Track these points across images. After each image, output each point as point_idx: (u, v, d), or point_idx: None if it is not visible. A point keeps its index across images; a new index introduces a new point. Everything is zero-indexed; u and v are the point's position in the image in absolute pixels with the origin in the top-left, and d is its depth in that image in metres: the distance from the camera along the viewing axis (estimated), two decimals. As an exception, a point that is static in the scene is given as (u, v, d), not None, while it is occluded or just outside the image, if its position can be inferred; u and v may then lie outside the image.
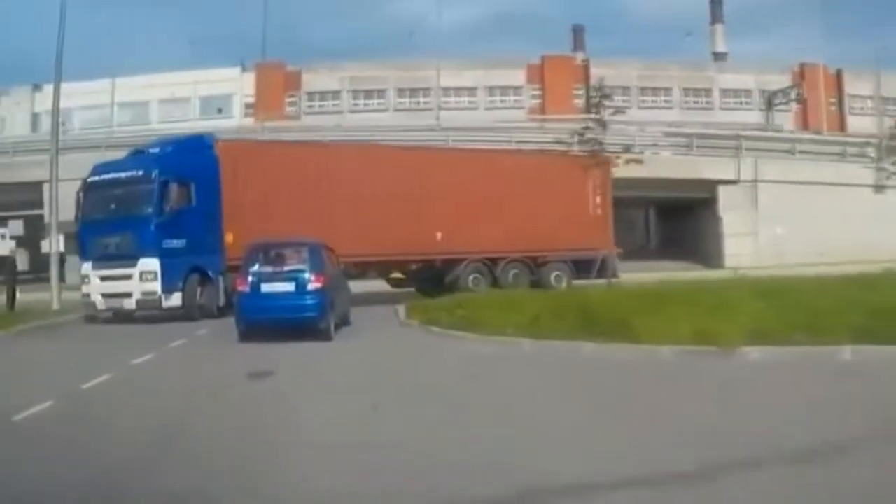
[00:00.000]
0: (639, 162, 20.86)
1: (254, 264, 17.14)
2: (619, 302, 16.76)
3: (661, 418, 8.93)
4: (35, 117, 58.71)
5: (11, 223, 39.99)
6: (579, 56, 69.47)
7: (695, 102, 65.51)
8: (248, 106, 59.75)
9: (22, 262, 36.86)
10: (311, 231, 21.65)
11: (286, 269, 16.98)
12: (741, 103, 65.69)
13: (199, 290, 22.71)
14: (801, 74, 64.44)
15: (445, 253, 27.31)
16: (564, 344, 13.96)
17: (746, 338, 13.15)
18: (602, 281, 27.22)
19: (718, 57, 73.21)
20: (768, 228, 41.94)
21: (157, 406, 10.16)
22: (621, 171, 19.94)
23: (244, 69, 50.76)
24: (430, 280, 27.68)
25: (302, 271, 16.86)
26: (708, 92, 66.53)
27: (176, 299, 22.25)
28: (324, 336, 16.51)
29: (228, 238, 23.20)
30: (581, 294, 19.10)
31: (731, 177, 42.11)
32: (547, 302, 17.69)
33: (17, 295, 26.09)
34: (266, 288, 16.71)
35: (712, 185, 42.02)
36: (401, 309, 20.90)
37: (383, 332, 18.31)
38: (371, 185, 26.14)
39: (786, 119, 62.08)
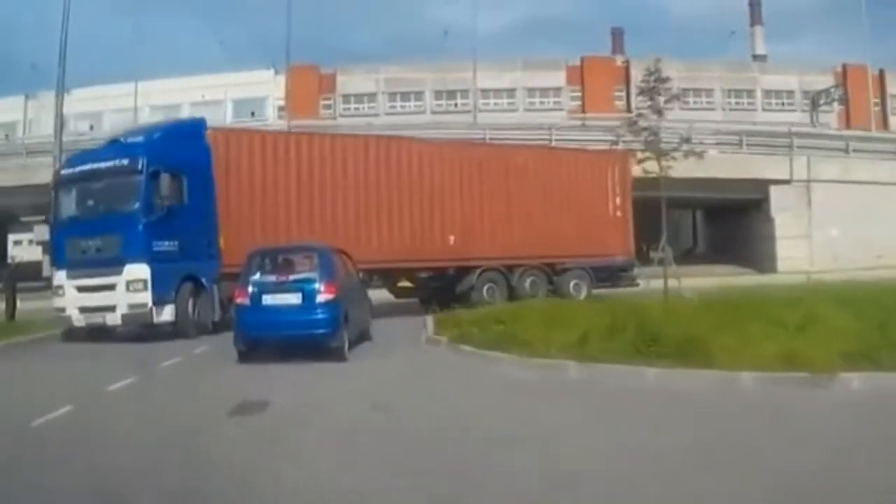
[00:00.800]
0: (699, 156, 18.10)
1: (254, 273, 14.63)
2: (682, 315, 14.01)
3: (767, 476, 6.57)
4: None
5: (37, 228, 37.88)
6: (618, 58, 67.31)
7: (737, 103, 64.05)
8: (281, 109, 57.68)
9: (46, 269, 34.67)
10: (311, 233, 20.35)
11: (292, 278, 14.45)
12: (783, 104, 64.44)
13: (192, 301, 19.13)
14: (844, 74, 62.80)
15: (459, 259, 24.31)
16: (620, 369, 11.21)
17: (843, 360, 10.54)
18: (626, 289, 25.46)
19: (758, 59, 71.09)
20: (823, 230, 39.13)
21: (100, 460, 7.60)
22: (678, 168, 17.09)
23: (277, 71, 48.72)
24: (438, 290, 24.46)
25: (310, 281, 14.29)
26: (750, 93, 65.15)
27: (168, 313, 18.47)
28: (336, 356, 13.98)
29: (220, 241, 20.10)
30: (635, 306, 16.25)
31: (784, 176, 39.18)
32: (596, 316, 14.91)
33: (18, 304, 23.76)
34: (268, 300, 14.19)
35: (764, 185, 39.17)
36: (429, 321, 18.07)
37: (407, 350, 15.54)
38: (378, 181, 23.43)
39: (829, 119, 60.11)
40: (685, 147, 18.09)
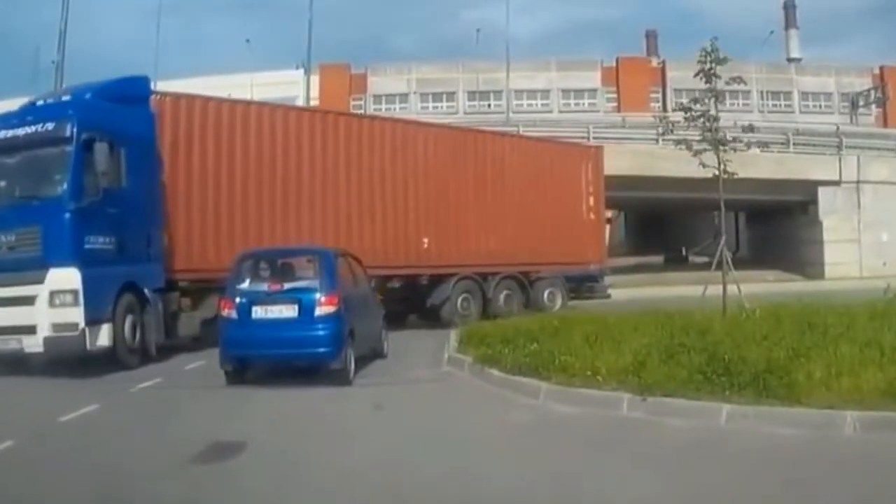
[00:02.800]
0: (765, 146, 15.67)
1: (242, 280, 12.16)
2: (750, 333, 11.49)
3: None
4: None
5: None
6: (654, 60, 65.25)
7: (774, 105, 62.14)
8: (311, 109, 55.83)
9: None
10: (270, 231, 17.30)
11: (286, 287, 11.93)
12: (821, 106, 62.80)
13: (133, 319, 13.84)
14: (881, 76, 60.52)
15: (435, 266, 20.16)
16: (687, 405, 8.69)
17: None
18: (593, 300, 23.29)
19: (793, 62, 68.24)
20: (872, 234, 36.51)
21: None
22: (735, 164, 14.63)
23: (307, 71, 46.85)
24: (405, 302, 20.32)
25: (308, 290, 11.86)
26: (788, 95, 63.51)
27: (105, 336, 13.02)
28: (339, 379, 11.62)
29: (166, 238, 15.63)
30: (691, 318, 13.75)
31: (833, 177, 36.60)
32: (648, 331, 12.38)
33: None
34: (259, 313, 11.73)
35: (812, 186, 36.65)
36: (453, 336, 15.33)
37: (424, 373, 12.91)
38: (348, 167, 19.23)
39: (868, 121, 58.16)
40: (750, 136, 15.58)
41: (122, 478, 6.81)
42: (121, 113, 14.37)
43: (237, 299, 11.84)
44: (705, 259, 28.54)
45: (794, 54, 70.13)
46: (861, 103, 58.30)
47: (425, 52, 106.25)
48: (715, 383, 8.98)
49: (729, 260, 15.48)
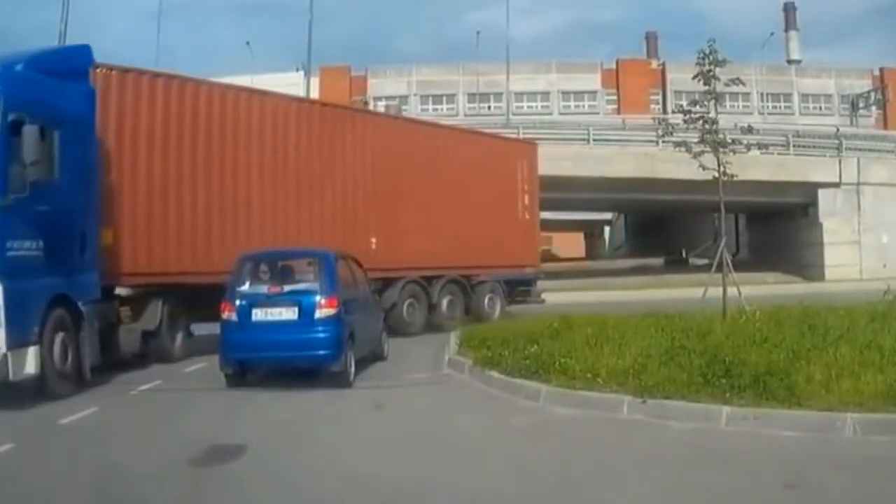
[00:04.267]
0: (764, 148, 15.64)
1: (243, 283, 12.08)
2: (751, 335, 11.45)
3: None
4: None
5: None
6: (654, 62, 65.27)
7: (774, 107, 62.05)
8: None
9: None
10: (220, 231, 15.56)
11: (286, 289, 11.90)
12: (821, 108, 62.92)
13: (64, 339, 11.27)
14: (882, 78, 60.46)
15: (383, 268, 17.65)
16: (687, 407, 8.71)
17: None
18: (533, 305, 21.78)
19: (793, 64, 68.29)
20: (873, 236, 36.43)
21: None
22: (735, 166, 14.62)
23: (307, 73, 46.76)
24: None
25: (308, 293, 11.80)
26: (787, 97, 63.48)
27: (31, 361, 10.47)
28: (339, 381, 11.55)
29: (107, 237, 13.20)
30: (692, 320, 13.72)
31: (833, 179, 36.51)
32: (648, 334, 12.35)
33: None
34: (259, 316, 11.65)
35: (812, 188, 36.52)
36: (453, 338, 15.23)
37: (424, 375, 12.81)
38: (298, 159, 17.38)
39: (868, 123, 57.78)
40: (749, 138, 15.57)
41: (120, 481, 6.82)
42: (56, 89, 12.00)
43: (237, 302, 11.73)
44: (705, 261, 28.47)
45: (795, 56, 70.09)
46: (861, 105, 58.19)
47: (428, 55, 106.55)
48: (715, 385, 9.00)
49: (729, 262, 15.46)
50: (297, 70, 51.24)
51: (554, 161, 34.59)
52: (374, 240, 18.05)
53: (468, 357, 12.78)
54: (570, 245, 70.15)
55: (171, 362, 14.07)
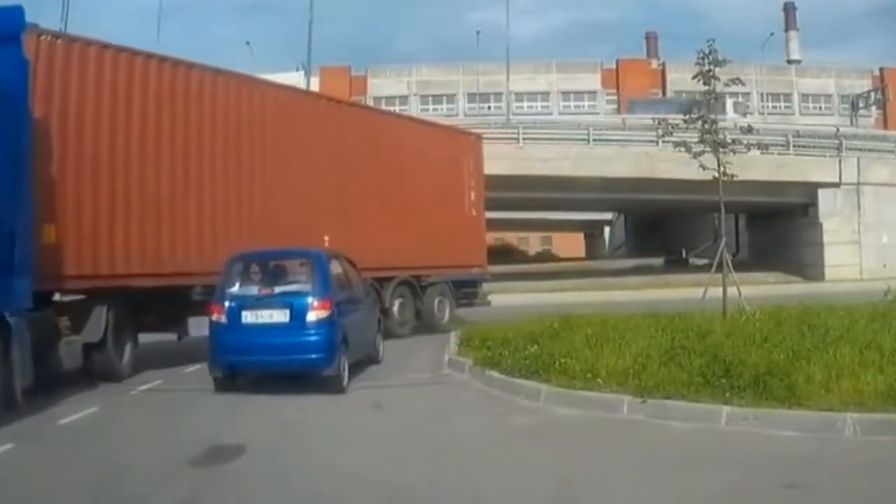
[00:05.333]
0: (764, 148, 15.61)
1: (233, 283, 11.63)
2: (750, 335, 11.44)
3: None
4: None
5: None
6: (654, 62, 65.32)
7: (774, 107, 61.93)
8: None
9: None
10: (170, 225, 13.77)
11: (277, 291, 11.46)
12: (821, 108, 62.89)
13: None
14: (882, 78, 60.71)
15: None
16: (687, 407, 8.71)
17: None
18: (477, 307, 20.87)
19: (793, 64, 68.41)
20: (873, 236, 36.35)
21: None
22: (735, 166, 14.62)
23: (307, 73, 46.79)
24: None
25: (300, 294, 11.35)
26: (787, 97, 63.39)
27: None
28: (333, 386, 11.08)
29: (49, 234, 11.47)
30: (692, 321, 13.70)
31: (833, 179, 36.43)
32: (649, 334, 12.32)
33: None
34: (249, 318, 11.20)
35: (812, 188, 36.41)
36: (453, 338, 15.15)
37: (424, 375, 12.76)
38: (252, 145, 15.67)
39: (868, 123, 57.88)
40: (749, 138, 15.57)
41: (119, 481, 6.82)
42: None
43: (227, 303, 11.28)
44: (705, 261, 28.40)
45: (795, 56, 70.15)
46: (861, 105, 58.17)
47: (428, 55, 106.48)
48: (715, 385, 9.01)
49: (729, 262, 15.45)
50: (297, 70, 51.23)
51: (554, 161, 34.72)
52: (327, 238, 16.19)
53: (468, 357, 12.77)
54: (570, 245, 70.21)
55: (119, 380, 12.27)
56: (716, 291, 15.41)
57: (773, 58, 66.10)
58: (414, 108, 58.83)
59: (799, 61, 68.94)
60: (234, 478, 7.01)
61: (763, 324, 12.85)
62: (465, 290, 20.85)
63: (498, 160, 34.69)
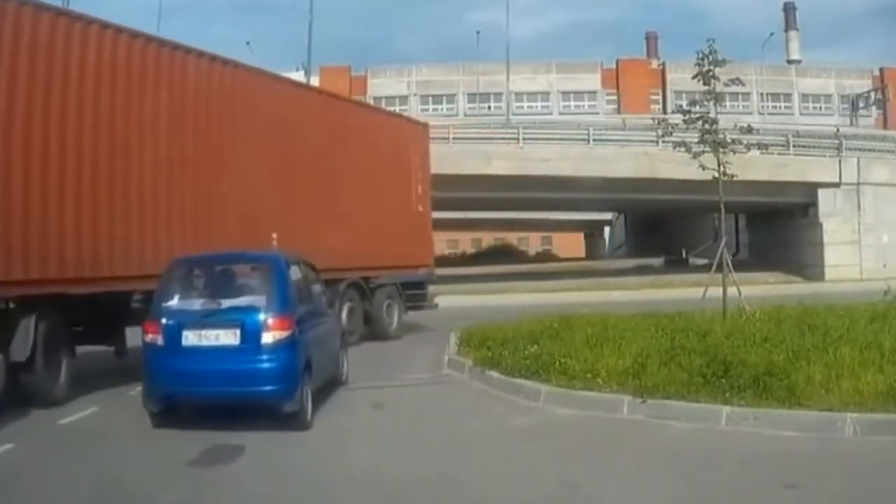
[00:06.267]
0: (764, 148, 15.59)
1: (171, 295, 9.40)
2: (751, 335, 11.42)
3: None
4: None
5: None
6: (654, 62, 65.35)
7: (774, 107, 61.86)
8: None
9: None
10: (125, 221, 11.90)
11: (226, 305, 9.19)
12: (821, 108, 62.74)
13: None
14: (882, 78, 60.84)
15: None
16: (687, 407, 8.73)
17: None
18: (423, 310, 19.54)
19: (793, 64, 68.42)
20: (873, 236, 36.32)
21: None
22: (735, 166, 14.62)
23: (307, 73, 46.80)
24: None
25: (253, 310, 9.09)
26: (787, 97, 63.35)
27: None
28: (295, 422, 8.95)
29: None
30: (692, 321, 13.69)
31: (833, 179, 36.40)
32: (648, 334, 12.31)
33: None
34: (192, 339, 8.95)
35: (812, 188, 36.37)
36: (452, 338, 14.80)
37: (423, 375, 12.61)
38: (209, 128, 13.94)
39: (868, 123, 58.24)
40: (749, 138, 15.55)
41: (119, 480, 6.81)
42: None
43: (164, 321, 9.06)
44: (705, 261, 28.39)
45: (795, 56, 70.14)
46: (861, 105, 58.26)
47: (428, 55, 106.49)
48: (715, 385, 9.02)
49: (729, 262, 15.43)
50: (298, 70, 51.24)
51: (554, 161, 34.71)
52: (275, 235, 14.70)
53: (468, 357, 12.76)
54: (570, 245, 70.25)
55: (53, 404, 10.16)
56: (716, 291, 15.38)
57: (773, 58, 66.27)
58: (414, 108, 58.78)
59: (799, 61, 68.90)
60: (233, 478, 7.01)
61: (763, 324, 12.86)
62: (413, 293, 19.31)
63: (498, 160, 34.89)
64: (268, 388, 8.90)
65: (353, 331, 16.55)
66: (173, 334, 9.01)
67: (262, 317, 9.06)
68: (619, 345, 11.41)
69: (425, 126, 21.69)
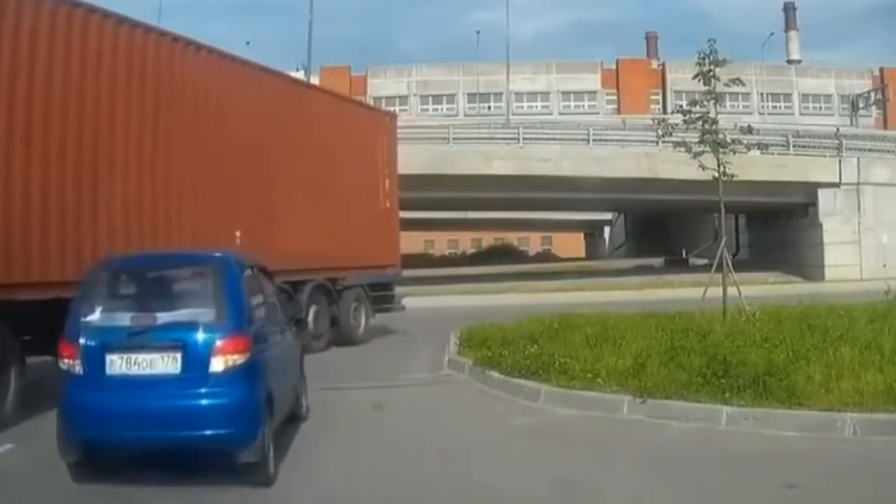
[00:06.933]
0: (764, 148, 15.57)
1: (92, 309, 7.07)
2: (751, 335, 11.44)
3: None
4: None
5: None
6: (654, 62, 65.37)
7: (774, 107, 61.71)
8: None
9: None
10: (58, 219, 10.48)
11: (161, 321, 6.93)
12: (821, 108, 62.60)
13: None
14: (882, 78, 60.83)
15: None
16: (687, 407, 8.72)
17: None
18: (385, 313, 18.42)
19: (793, 64, 68.41)
20: (873, 236, 36.28)
21: None
22: (735, 166, 14.62)
23: (307, 73, 46.82)
24: None
25: (198, 327, 6.87)
26: (787, 97, 63.27)
27: None
28: (255, 475, 6.79)
29: None
30: (692, 321, 13.68)
31: (833, 179, 36.38)
32: (649, 334, 12.30)
33: None
34: (118, 366, 6.75)
35: (812, 188, 36.35)
36: (452, 338, 14.71)
37: (423, 375, 12.60)
38: (156, 116, 12.38)
39: (868, 123, 58.34)
40: (749, 138, 15.56)
41: (118, 480, 6.76)
42: None
43: (82, 341, 6.81)
44: (705, 261, 28.40)
45: (795, 56, 70.16)
46: (861, 105, 58.23)
47: (428, 55, 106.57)
48: (715, 385, 9.01)
49: (729, 262, 15.42)
50: (298, 70, 51.28)
51: (554, 161, 34.70)
52: (238, 233, 13.36)
53: (468, 357, 12.75)
54: (571, 245, 70.24)
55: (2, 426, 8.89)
56: (716, 291, 15.38)
57: (773, 58, 66.28)
58: (414, 108, 58.93)
59: (799, 61, 68.89)
60: (232, 477, 6.96)
61: (763, 324, 12.88)
62: (380, 294, 18.21)
63: (498, 160, 34.88)
64: (218, 431, 6.64)
65: (321, 335, 15.90)
66: (94, 359, 6.73)
67: (210, 335, 6.76)
68: (619, 345, 11.43)
69: (392, 117, 20.70)
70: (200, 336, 6.78)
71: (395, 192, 19.17)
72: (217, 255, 7.89)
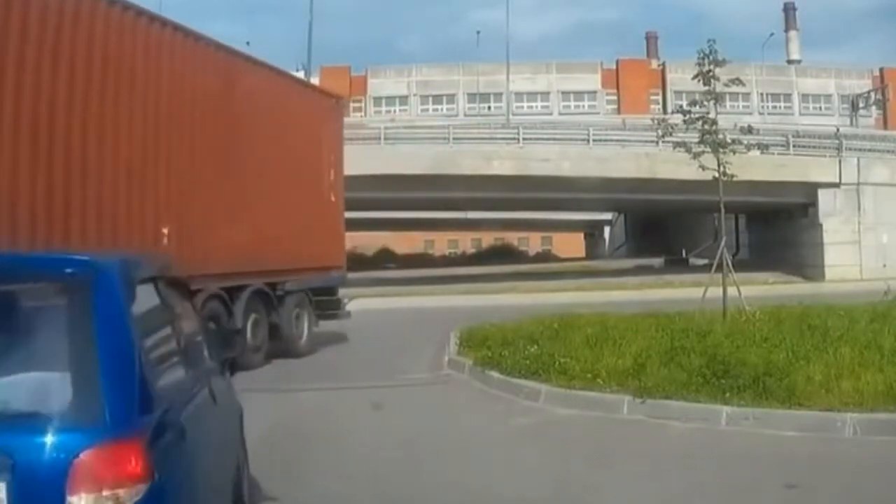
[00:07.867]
0: (764, 148, 15.55)
1: None
2: (751, 335, 11.46)
3: None
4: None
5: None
6: (653, 62, 65.34)
7: (774, 107, 61.54)
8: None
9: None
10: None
11: None
12: (821, 108, 62.42)
13: None
14: (882, 78, 60.37)
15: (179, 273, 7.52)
16: (687, 407, 8.72)
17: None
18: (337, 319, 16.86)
19: (793, 64, 68.33)
20: (873, 236, 36.25)
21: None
22: (735, 166, 14.63)
23: (307, 73, 46.85)
24: None
25: (25, 428, 3.09)
26: (787, 97, 63.07)
27: None
28: None
29: None
30: (691, 321, 13.69)
31: (833, 179, 36.35)
32: (648, 335, 12.30)
33: None
34: None
35: (812, 188, 36.31)
36: (452, 338, 14.69)
37: (423, 375, 12.54)
38: (73, 93, 10.31)
39: (868, 123, 57.87)
40: (749, 138, 15.57)
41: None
42: None
43: None
44: (705, 261, 28.40)
45: (795, 56, 70.06)
46: (861, 105, 58.13)
47: (428, 55, 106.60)
48: (715, 385, 9.00)
49: (729, 262, 15.42)
50: (298, 70, 51.32)
51: (554, 161, 34.68)
52: (165, 231, 11.83)
53: (468, 357, 12.74)
54: (571, 245, 70.17)
55: None
56: (716, 291, 15.39)
57: (773, 58, 66.25)
58: (414, 108, 58.89)
59: (799, 61, 68.81)
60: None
61: (763, 324, 12.88)
62: (322, 299, 16.40)
63: (498, 160, 34.86)
64: None
65: (259, 348, 14.11)
66: None
67: (65, 444, 3.09)
68: (619, 345, 11.42)
69: (339, 100, 18.49)
70: (45, 445, 3.08)
71: (341, 185, 17.22)
72: (84, 259, 3.83)
